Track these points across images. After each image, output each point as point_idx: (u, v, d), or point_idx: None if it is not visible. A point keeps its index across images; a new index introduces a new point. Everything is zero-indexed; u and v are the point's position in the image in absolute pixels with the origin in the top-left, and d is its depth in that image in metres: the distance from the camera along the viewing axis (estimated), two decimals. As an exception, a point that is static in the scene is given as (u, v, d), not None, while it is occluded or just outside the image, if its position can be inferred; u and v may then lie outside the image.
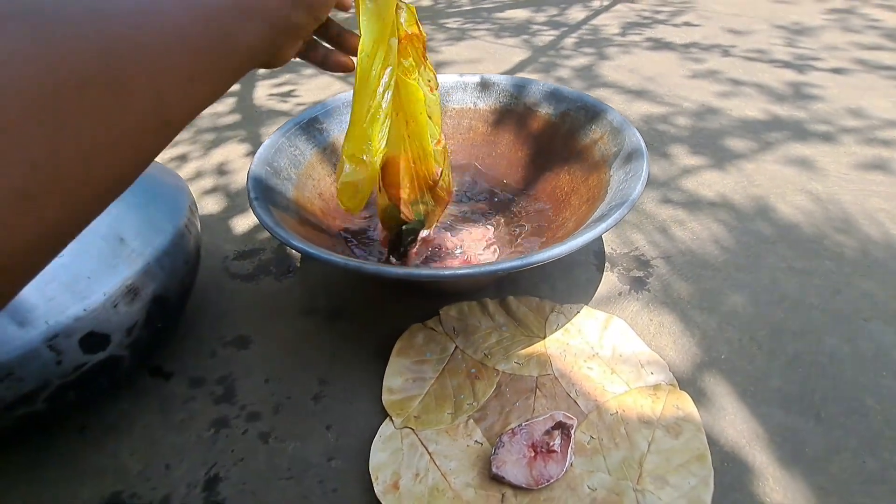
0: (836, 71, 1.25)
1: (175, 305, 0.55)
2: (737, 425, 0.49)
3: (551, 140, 0.73)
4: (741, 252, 0.70)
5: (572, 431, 0.46)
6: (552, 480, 0.43)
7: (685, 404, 0.50)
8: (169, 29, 0.20)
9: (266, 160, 0.61)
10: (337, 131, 0.74)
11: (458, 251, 0.64)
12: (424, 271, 0.42)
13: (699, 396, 0.52)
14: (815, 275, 0.66)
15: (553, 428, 0.46)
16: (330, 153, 0.73)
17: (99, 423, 0.55)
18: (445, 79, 0.80)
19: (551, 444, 0.45)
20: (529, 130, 0.76)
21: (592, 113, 0.67)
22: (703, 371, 0.55)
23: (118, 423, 0.55)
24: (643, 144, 0.57)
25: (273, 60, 0.32)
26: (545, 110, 0.74)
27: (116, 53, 0.17)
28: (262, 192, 0.55)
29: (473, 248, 0.65)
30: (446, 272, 0.42)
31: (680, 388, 0.52)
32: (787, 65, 1.31)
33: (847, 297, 0.62)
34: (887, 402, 0.50)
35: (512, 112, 0.78)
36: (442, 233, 0.68)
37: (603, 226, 0.45)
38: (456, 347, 0.58)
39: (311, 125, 0.71)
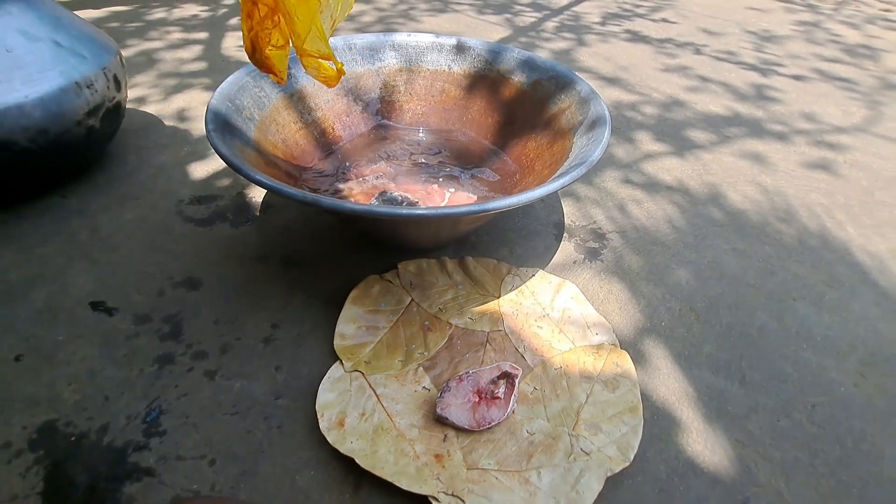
0: (797, 77, 1.31)
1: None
2: (669, 384, 0.52)
3: (522, 108, 0.73)
4: (690, 232, 0.74)
5: (517, 381, 0.48)
6: (493, 424, 0.45)
7: (624, 362, 0.52)
8: None
9: (228, 96, 0.59)
10: (306, 79, 0.72)
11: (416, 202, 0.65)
12: (381, 209, 0.42)
13: (638, 357, 0.55)
14: (755, 257, 0.70)
15: (499, 377, 0.48)
16: (297, 100, 0.71)
17: (35, 352, 0.53)
18: (421, 38, 0.80)
19: (496, 391, 0.47)
20: (501, 97, 0.76)
21: (563, 82, 0.68)
22: (644, 335, 0.58)
23: (55, 353, 0.53)
24: (608, 113, 0.59)
25: None
26: (518, 78, 0.74)
27: None
28: (221, 126, 0.53)
29: (434, 202, 0.66)
30: (403, 211, 0.42)
31: (621, 349, 0.54)
32: (752, 67, 1.36)
33: (780, 278, 0.67)
34: (804, 371, 0.55)
35: (485, 78, 0.78)
36: (402, 184, 0.68)
37: (560, 182, 0.47)
38: (412, 300, 0.58)
39: (279, 69, 0.69)
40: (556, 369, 0.52)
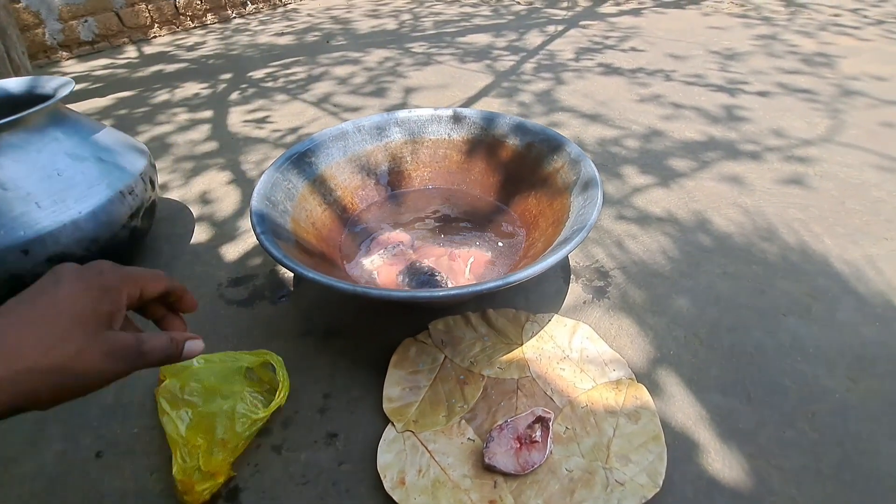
0: (762, 94, 1.42)
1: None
2: (685, 409, 0.59)
3: (519, 167, 0.82)
4: (684, 260, 0.82)
5: (551, 423, 0.54)
6: (536, 466, 0.51)
7: (642, 395, 0.59)
8: None
9: (265, 195, 0.67)
10: (325, 163, 0.81)
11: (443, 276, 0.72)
12: (423, 293, 0.49)
13: (653, 387, 0.62)
14: (744, 278, 0.77)
15: (534, 422, 0.54)
16: (318, 185, 0.79)
17: (113, 447, 0.59)
18: (421, 113, 0.89)
19: (533, 435, 0.53)
20: (499, 159, 0.85)
21: (554, 144, 0.77)
22: (656, 365, 0.64)
23: (133, 446, 0.59)
24: (597, 174, 0.67)
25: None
26: (512, 141, 0.83)
27: None
28: (267, 226, 0.61)
29: (458, 267, 0.73)
30: (441, 293, 0.49)
31: (637, 381, 0.61)
32: (720, 88, 1.47)
33: (770, 296, 0.74)
34: (801, 382, 0.62)
35: (482, 142, 0.87)
36: (420, 249, 0.75)
37: (567, 248, 0.54)
38: (445, 357, 0.65)
39: (301, 159, 0.78)
40: (582, 408, 0.58)
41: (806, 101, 1.37)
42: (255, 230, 0.59)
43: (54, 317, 0.24)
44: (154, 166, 0.89)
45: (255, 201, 0.65)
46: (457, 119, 0.88)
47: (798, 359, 0.65)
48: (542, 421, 0.54)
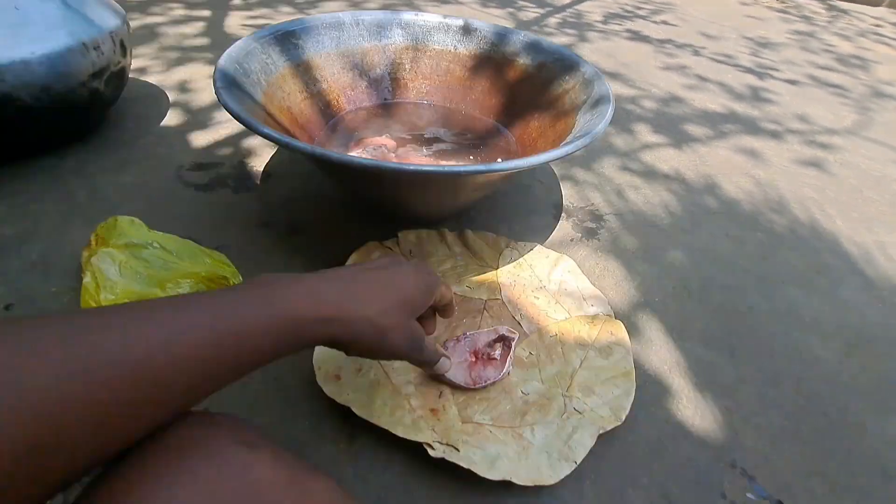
0: (791, 82, 1.34)
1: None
2: (661, 355, 0.54)
3: (526, 89, 0.74)
4: (686, 218, 0.75)
5: (513, 344, 0.48)
6: (489, 383, 0.46)
7: (618, 331, 0.53)
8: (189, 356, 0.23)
9: (236, 59, 0.59)
10: (314, 50, 0.73)
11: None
12: (390, 164, 0.42)
13: (631, 329, 0.56)
14: (748, 243, 0.71)
15: (496, 340, 0.48)
16: (303, 71, 0.71)
17: (27, 302, 0.52)
18: (429, 18, 0.80)
19: (492, 353, 0.47)
20: (506, 79, 0.77)
21: (568, 64, 0.69)
22: (638, 309, 0.59)
23: (48, 304, 0.53)
24: (611, 93, 0.60)
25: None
26: (523, 60, 0.75)
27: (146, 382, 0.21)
28: (230, 84, 0.54)
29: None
30: (411, 167, 0.43)
31: (616, 319, 0.55)
32: (749, 70, 1.39)
33: (772, 263, 0.68)
34: (792, 349, 0.56)
35: (490, 59, 0.79)
36: (404, 157, 0.68)
37: (564, 150, 0.47)
38: (410, 270, 0.59)
39: (286, 38, 0.69)
40: (551, 336, 0.53)
41: (835, 95, 1.30)
42: (215, 85, 0.52)
43: (391, 293, 0.32)
44: (129, 30, 0.80)
45: (223, 61, 0.57)
46: (467, 30, 0.80)
47: (792, 326, 0.59)
48: (504, 340, 0.48)
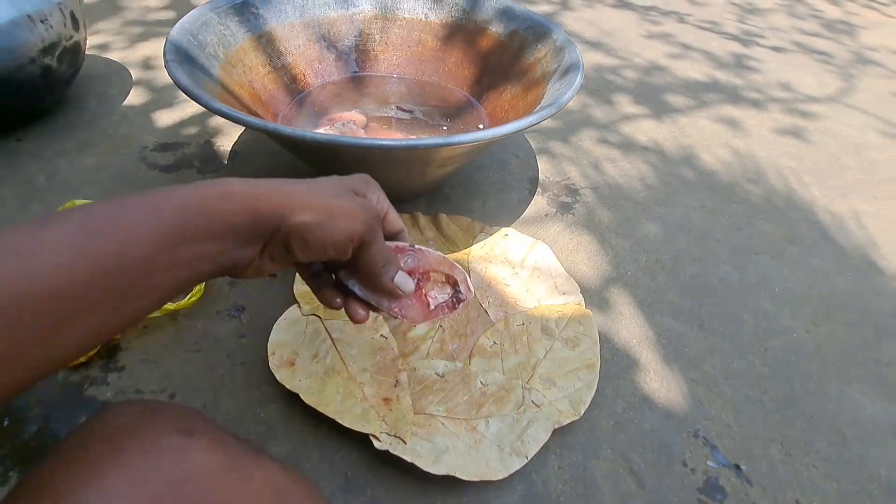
0: (776, 49, 1.32)
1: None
2: (630, 328, 0.54)
3: (498, 59, 0.72)
4: (662, 190, 0.75)
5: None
6: (440, 306, 0.35)
7: (587, 322, 0.52)
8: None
9: (189, 31, 0.56)
10: (276, 21, 0.69)
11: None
12: (345, 139, 0.41)
13: (602, 304, 0.56)
14: (723, 214, 0.71)
15: (447, 281, 0.35)
16: (265, 43, 0.68)
17: None
18: (398, -16, 0.77)
19: (439, 291, 0.35)
20: (478, 48, 0.75)
21: (540, 32, 0.67)
22: (609, 284, 0.58)
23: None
24: (581, 60, 0.58)
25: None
26: (495, 28, 0.73)
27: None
28: (181, 58, 0.51)
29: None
30: (368, 141, 0.41)
31: (587, 299, 0.55)
32: (734, 38, 1.36)
33: (746, 234, 0.68)
34: (761, 318, 0.57)
35: (462, 28, 0.76)
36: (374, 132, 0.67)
37: (527, 120, 0.46)
38: (381, 251, 0.58)
39: (245, 7, 0.66)
40: (518, 325, 0.51)
41: (820, 62, 1.28)
42: (165, 58, 0.49)
43: (326, 183, 0.28)
44: (81, 3, 0.76)
45: (176, 32, 0.54)
46: (437, -3, 0.76)
47: (762, 296, 0.59)
48: (454, 287, 0.35)
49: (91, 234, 0.20)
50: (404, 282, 0.31)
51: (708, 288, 0.59)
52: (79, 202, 0.57)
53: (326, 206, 0.26)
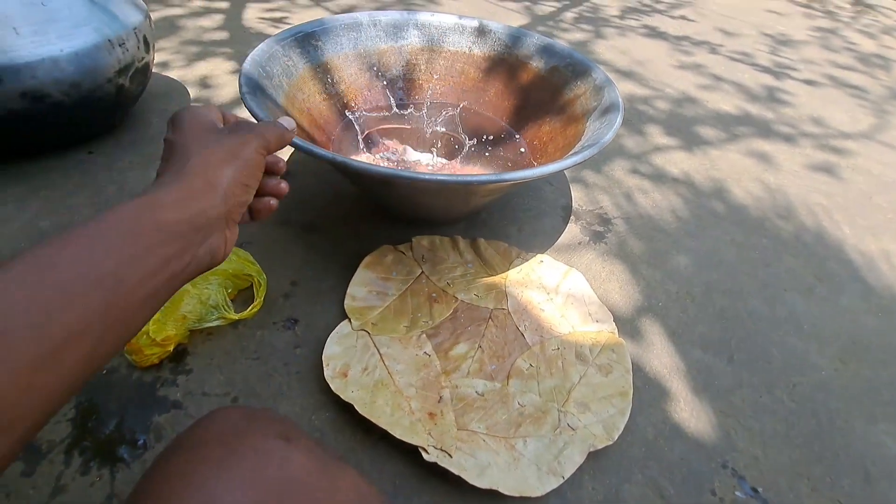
0: (809, 82, 1.33)
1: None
2: (661, 358, 0.56)
3: (538, 92, 0.76)
4: (693, 222, 0.77)
5: None
6: None
7: (620, 350, 0.54)
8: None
9: (259, 63, 0.62)
10: (332, 52, 0.75)
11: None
12: (406, 173, 0.45)
13: (633, 333, 0.58)
14: (752, 249, 0.73)
15: None
16: (322, 72, 0.73)
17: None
18: (444, 19, 0.82)
19: None
20: (519, 81, 0.79)
21: (580, 70, 0.71)
22: (641, 313, 0.61)
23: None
24: (621, 101, 0.61)
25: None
26: (536, 63, 0.77)
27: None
28: (254, 90, 0.56)
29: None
30: (426, 176, 0.45)
31: (619, 327, 0.57)
32: (766, 70, 1.38)
33: (775, 270, 0.70)
34: (789, 354, 0.58)
35: (504, 62, 0.80)
36: (419, 163, 0.71)
37: (572, 160, 0.49)
38: (422, 273, 0.61)
39: (307, 40, 0.71)
40: (553, 350, 0.54)
41: (853, 96, 1.28)
42: (241, 91, 0.54)
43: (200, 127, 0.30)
44: (151, 26, 0.83)
45: (248, 65, 0.59)
46: (481, 32, 0.81)
47: (790, 332, 0.61)
48: None
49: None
50: (287, 120, 0.36)
51: (737, 321, 0.61)
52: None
53: (227, 151, 0.30)
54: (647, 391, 0.52)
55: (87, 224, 0.23)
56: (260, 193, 0.35)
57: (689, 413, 0.51)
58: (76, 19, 0.69)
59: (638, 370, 0.54)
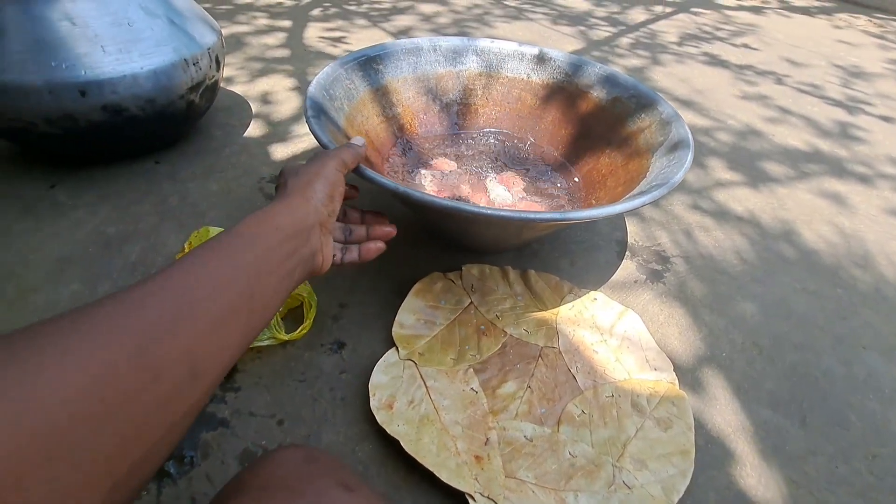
0: (885, 119, 1.25)
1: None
2: (725, 415, 0.52)
3: (598, 123, 0.74)
4: (759, 266, 0.72)
5: None
6: None
7: (681, 403, 0.51)
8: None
9: (324, 86, 0.63)
10: (392, 75, 0.75)
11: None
12: (467, 206, 0.44)
13: (695, 384, 0.55)
14: (826, 299, 0.68)
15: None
16: (381, 95, 0.74)
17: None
18: (504, 45, 0.81)
19: None
20: (577, 110, 0.77)
21: (644, 102, 0.68)
22: (703, 363, 0.57)
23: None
24: (691, 137, 0.58)
25: (321, 266, 0.39)
26: (597, 93, 0.75)
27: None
28: (318, 113, 0.57)
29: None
30: (488, 210, 0.44)
31: (679, 377, 0.54)
32: (837, 103, 1.30)
33: (852, 324, 0.64)
34: (868, 421, 0.53)
35: (563, 90, 0.79)
36: (471, 184, 0.70)
37: (642, 199, 0.47)
38: (471, 303, 0.60)
39: (368, 64, 0.73)
40: (607, 397, 0.51)
41: (937, 135, 1.19)
42: (306, 114, 0.55)
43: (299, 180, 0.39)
44: (223, 46, 0.87)
45: (313, 88, 0.61)
46: (541, 59, 0.80)
47: (870, 396, 0.55)
48: None
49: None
50: (357, 139, 0.47)
51: (810, 380, 0.56)
52: (212, 229, 0.64)
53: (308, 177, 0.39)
54: (709, 451, 0.48)
55: (230, 230, 0.30)
56: (371, 237, 0.47)
57: (757, 479, 0.47)
58: (157, 39, 0.73)
59: (700, 427, 0.50)
